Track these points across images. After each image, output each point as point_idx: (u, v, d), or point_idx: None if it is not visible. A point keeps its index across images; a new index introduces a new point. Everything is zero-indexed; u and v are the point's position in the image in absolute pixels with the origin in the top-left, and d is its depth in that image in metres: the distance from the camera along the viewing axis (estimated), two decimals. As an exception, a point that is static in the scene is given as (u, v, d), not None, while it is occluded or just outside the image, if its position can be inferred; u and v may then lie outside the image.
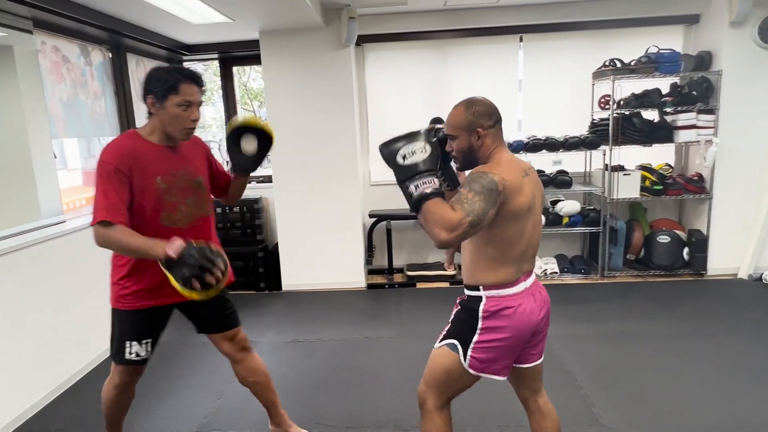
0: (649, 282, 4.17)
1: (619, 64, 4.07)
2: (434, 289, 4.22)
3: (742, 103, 3.99)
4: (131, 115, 3.86)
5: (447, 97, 4.57)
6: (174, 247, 1.55)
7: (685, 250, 4.23)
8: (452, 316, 1.59)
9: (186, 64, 4.81)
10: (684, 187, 4.18)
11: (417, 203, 1.40)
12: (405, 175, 1.41)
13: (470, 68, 4.52)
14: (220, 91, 4.87)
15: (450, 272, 4.38)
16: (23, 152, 2.79)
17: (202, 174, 1.89)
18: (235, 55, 4.68)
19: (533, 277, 1.59)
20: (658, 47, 4.02)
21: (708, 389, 2.50)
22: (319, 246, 4.26)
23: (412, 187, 1.40)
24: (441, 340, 1.58)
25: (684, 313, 3.47)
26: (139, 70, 4.08)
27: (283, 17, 3.64)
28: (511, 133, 4.46)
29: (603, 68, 4.15)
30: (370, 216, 4.43)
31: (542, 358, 1.65)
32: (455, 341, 1.53)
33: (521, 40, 4.45)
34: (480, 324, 1.49)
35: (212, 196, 2.00)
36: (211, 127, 8.93)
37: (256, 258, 4.33)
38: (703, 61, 4.09)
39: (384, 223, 4.34)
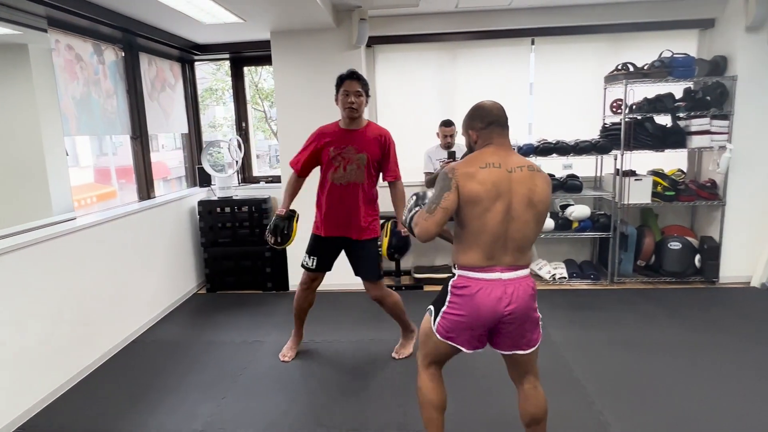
0: (660, 289, 4.11)
1: (632, 68, 4.03)
2: (441, 292, 4.18)
3: (756, 109, 3.94)
4: (143, 113, 3.89)
5: (457, 99, 4.56)
6: (279, 210, 2.79)
7: (697, 257, 4.17)
8: None
9: (197, 64, 4.85)
10: (696, 194, 4.13)
11: (410, 227, 1.80)
12: (407, 222, 1.84)
13: (481, 70, 4.51)
14: (231, 91, 4.89)
15: (457, 275, 4.36)
16: (36, 149, 2.82)
17: (368, 153, 2.70)
18: (247, 55, 4.71)
19: (520, 273, 1.67)
20: (672, 51, 3.98)
21: (719, 401, 2.46)
22: (327, 247, 4.24)
23: (410, 225, 1.81)
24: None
25: (695, 322, 3.42)
26: (151, 69, 4.11)
27: (294, 18, 3.65)
28: (521, 136, 4.44)
29: (615, 72, 4.12)
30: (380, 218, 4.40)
31: (527, 351, 1.73)
32: (432, 307, 1.79)
33: (533, 43, 4.43)
34: (448, 297, 1.71)
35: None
36: (221, 127, 8.98)
37: (263, 258, 4.34)
38: (718, 65, 4.04)
39: (392, 224, 4.32)
